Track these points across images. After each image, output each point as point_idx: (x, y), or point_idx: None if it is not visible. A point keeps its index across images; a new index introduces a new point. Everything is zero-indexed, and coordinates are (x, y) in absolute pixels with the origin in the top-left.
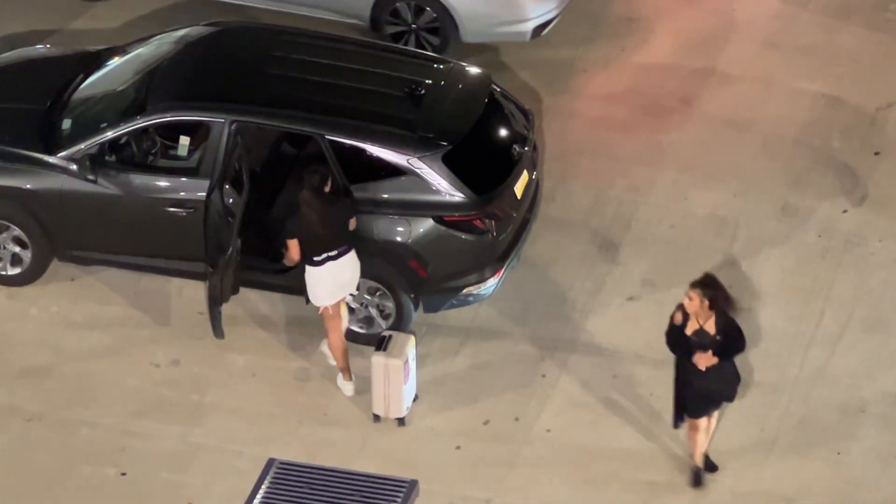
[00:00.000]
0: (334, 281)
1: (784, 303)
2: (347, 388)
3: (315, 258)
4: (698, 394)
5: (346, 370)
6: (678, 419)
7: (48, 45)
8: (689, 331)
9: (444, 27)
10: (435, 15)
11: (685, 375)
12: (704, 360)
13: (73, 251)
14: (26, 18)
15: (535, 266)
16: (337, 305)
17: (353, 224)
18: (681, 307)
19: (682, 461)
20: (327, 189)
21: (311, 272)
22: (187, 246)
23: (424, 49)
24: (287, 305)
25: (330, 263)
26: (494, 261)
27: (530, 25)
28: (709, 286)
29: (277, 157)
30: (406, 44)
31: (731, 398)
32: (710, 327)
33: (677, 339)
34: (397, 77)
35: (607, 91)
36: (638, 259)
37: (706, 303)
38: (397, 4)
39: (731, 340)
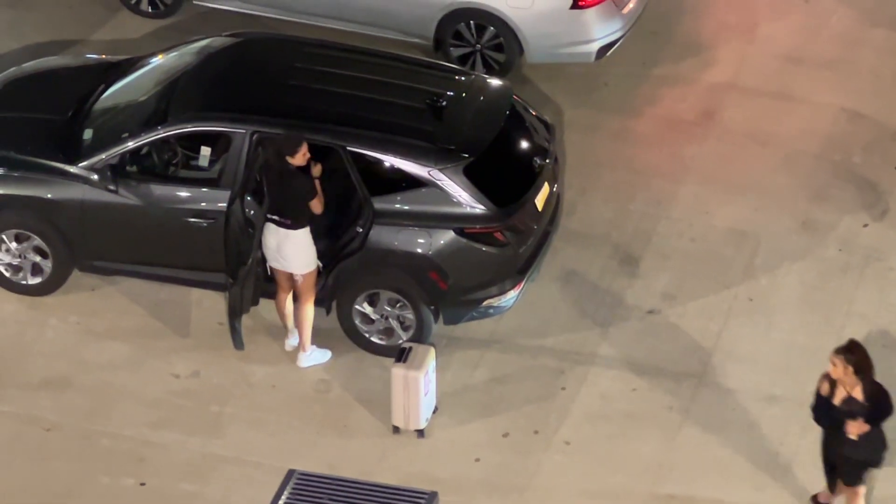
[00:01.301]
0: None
1: (804, 317)
2: (325, 354)
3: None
4: (851, 462)
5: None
6: (833, 487)
7: (70, 55)
8: (837, 400)
9: (509, 47)
10: (499, 33)
11: (835, 445)
12: (856, 429)
13: (93, 261)
14: (49, 29)
15: (555, 279)
16: None
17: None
18: (826, 377)
19: (701, 474)
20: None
21: (305, 235)
22: (207, 257)
23: (491, 70)
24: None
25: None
26: (515, 273)
27: (595, 46)
28: (852, 351)
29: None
30: (472, 65)
31: (877, 464)
32: (858, 394)
33: (827, 411)
34: (419, 89)
35: (628, 104)
36: (658, 272)
37: (850, 368)
38: (460, 25)
39: (879, 405)
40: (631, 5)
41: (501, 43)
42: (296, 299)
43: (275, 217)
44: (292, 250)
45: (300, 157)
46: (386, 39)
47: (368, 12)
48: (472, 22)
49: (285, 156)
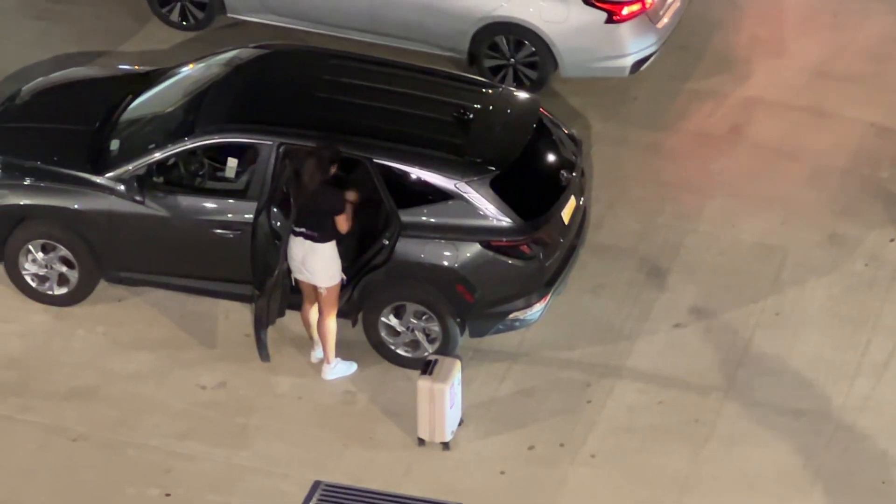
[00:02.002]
0: None
1: (831, 331)
2: (351, 366)
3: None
4: None
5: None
6: None
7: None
8: None
9: (543, 62)
10: (534, 49)
11: None
12: None
13: (120, 272)
14: (76, 39)
15: (582, 292)
16: None
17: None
18: None
19: (726, 487)
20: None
21: (331, 248)
22: (234, 268)
23: (522, 84)
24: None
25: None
26: (541, 286)
27: (629, 61)
28: None
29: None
30: (504, 79)
31: None
32: None
33: None
34: (446, 101)
35: (657, 118)
36: (686, 286)
37: None
38: (496, 38)
39: None
40: (665, 20)
41: (535, 57)
42: (319, 312)
43: (302, 229)
44: (317, 263)
45: (333, 169)
46: (419, 53)
47: (402, 26)
48: (511, 37)
49: (328, 169)
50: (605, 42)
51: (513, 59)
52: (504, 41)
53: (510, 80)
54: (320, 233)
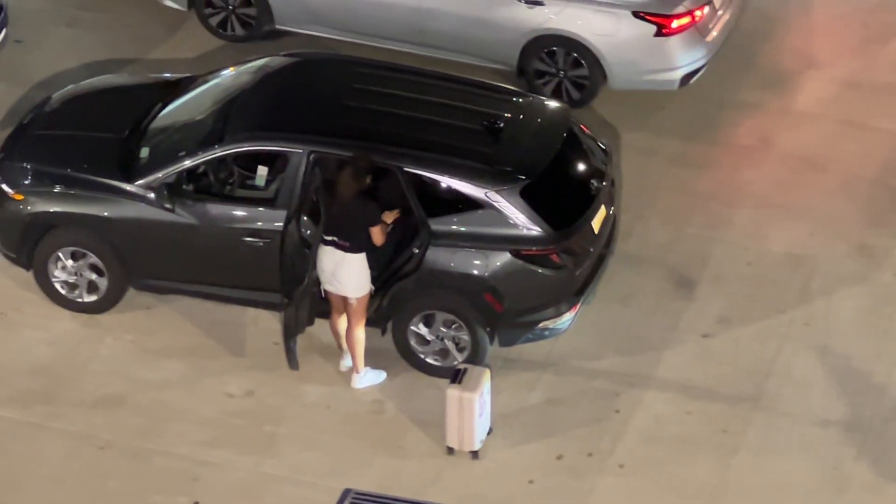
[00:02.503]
0: None
1: (859, 342)
2: (380, 375)
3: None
4: None
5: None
6: None
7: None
8: None
9: (593, 74)
10: (583, 60)
11: None
12: None
13: (148, 280)
14: (106, 47)
15: (611, 301)
16: None
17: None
18: None
19: (754, 498)
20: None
21: (362, 259)
22: (263, 276)
23: (569, 96)
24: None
25: None
26: (571, 295)
27: (679, 74)
28: None
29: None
30: (554, 92)
31: None
32: None
33: None
34: (476, 110)
35: (685, 128)
36: (714, 296)
37: None
38: (544, 51)
39: None
40: (714, 33)
41: (585, 70)
42: (347, 322)
43: (333, 239)
44: (348, 274)
45: (368, 178)
46: (468, 65)
47: (452, 38)
48: (561, 50)
49: (364, 179)
50: (655, 55)
51: (562, 73)
52: (553, 54)
53: (560, 92)
54: (353, 243)
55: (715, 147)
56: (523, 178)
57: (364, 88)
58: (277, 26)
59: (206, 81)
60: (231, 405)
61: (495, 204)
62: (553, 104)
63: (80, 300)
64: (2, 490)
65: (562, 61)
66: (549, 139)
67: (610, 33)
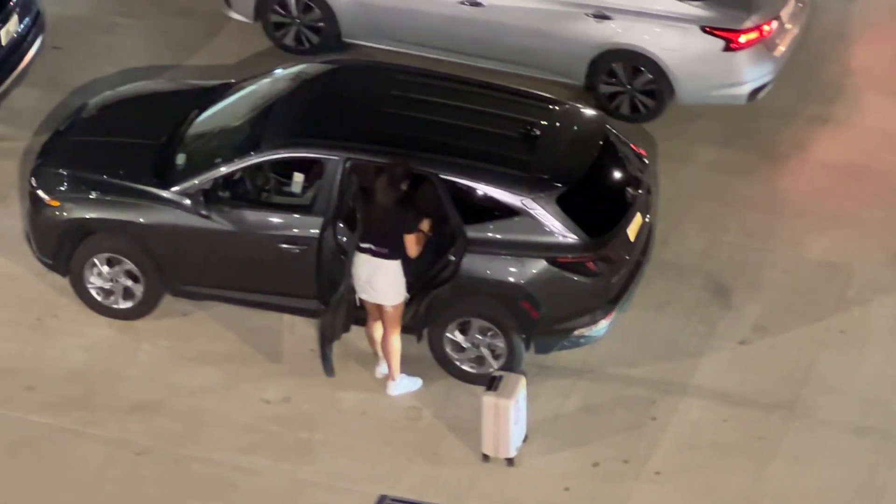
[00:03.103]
0: None
1: None
2: (416, 382)
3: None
4: None
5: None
6: None
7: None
8: None
9: (661, 89)
10: (651, 77)
11: None
12: None
13: (185, 286)
14: (144, 54)
15: (647, 309)
16: None
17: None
18: None
19: (789, 503)
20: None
21: (398, 267)
22: (299, 283)
23: (638, 112)
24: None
25: None
26: (607, 303)
27: (747, 89)
28: None
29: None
30: (619, 106)
31: None
32: None
33: None
34: (513, 118)
35: (722, 136)
36: (750, 304)
37: None
38: (613, 65)
39: None
40: (782, 48)
41: (653, 85)
42: (383, 329)
43: (369, 246)
44: (384, 282)
45: (406, 184)
46: (534, 79)
47: (520, 52)
48: (628, 64)
49: (400, 185)
50: (723, 70)
51: (629, 87)
52: (621, 68)
53: (626, 107)
54: (390, 250)
55: (751, 155)
56: (560, 185)
57: (401, 95)
58: (345, 39)
59: (242, 88)
60: (267, 411)
61: (532, 211)
62: (590, 112)
63: (115, 306)
64: (39, 496)
65: (628, 76)
66: (585, 147)
67: (678, 48)
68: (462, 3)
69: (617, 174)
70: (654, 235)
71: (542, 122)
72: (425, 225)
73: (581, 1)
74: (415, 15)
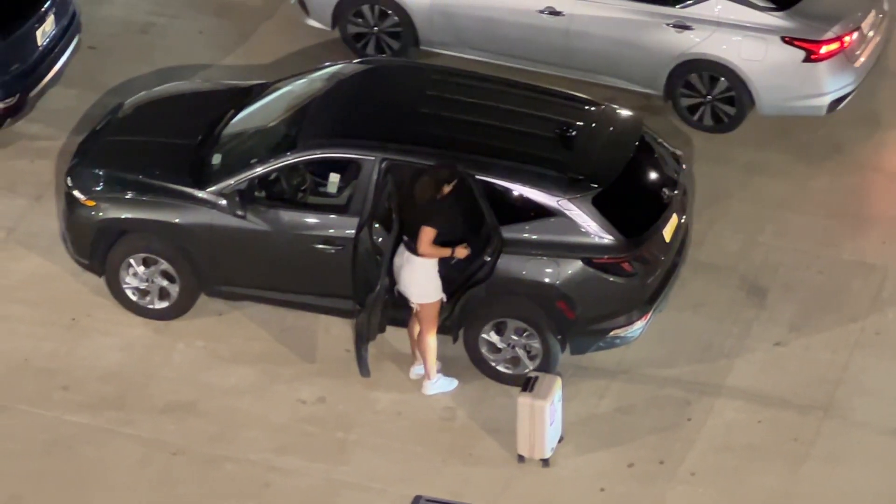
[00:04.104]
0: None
1: None
2: (451, 382)
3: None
4: None
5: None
6: None
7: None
8: None
9: (740, 99)
10: (729, 85)
11: None
12: None
13: (220, 286)
14: (180, 53)
15: (682, 310)
16: None
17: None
18: None
19: None
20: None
21: (425, 265)
22: (335, 283)
23: (721, 122)
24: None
25: None
26: (642, 304)
27: (827, 100)
28: None
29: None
30: (702, 118)
31: None
32: None
33: None
34: (548, 118)
35: (758, 137)
36: (785, 304)
37: None
38: (690, 77)
39: None
40: (863, 59)
41: (732, 95)
42: (419, 328)
43: (405, 238)
44: (410, 276)
45: (448, 188)
46: (613, 88)
47: (600, 61)
48: (706, 74)
49: (443, 184)
50: (803, 81)
51: (709, 97)
52: (699, 78)
53: (707, 117)
54: (413, 245)
55: (787, 155)
56: (596, 186)
57: (437, 95)
58: (422, 48)
59: (278, 88)
60: (302, 412)
61: (567, 212)
62: (626, 112)
63: (151, 306)
64: (73, 496)
65: (706, 86)
66: (621, 147)
67: (758, 58)
68: (542, 12)
69: (653, 175)
70: (689, 236)
71: (578, 123)
72: (462, 251)
73: (661, 11)
74: (494, 23)
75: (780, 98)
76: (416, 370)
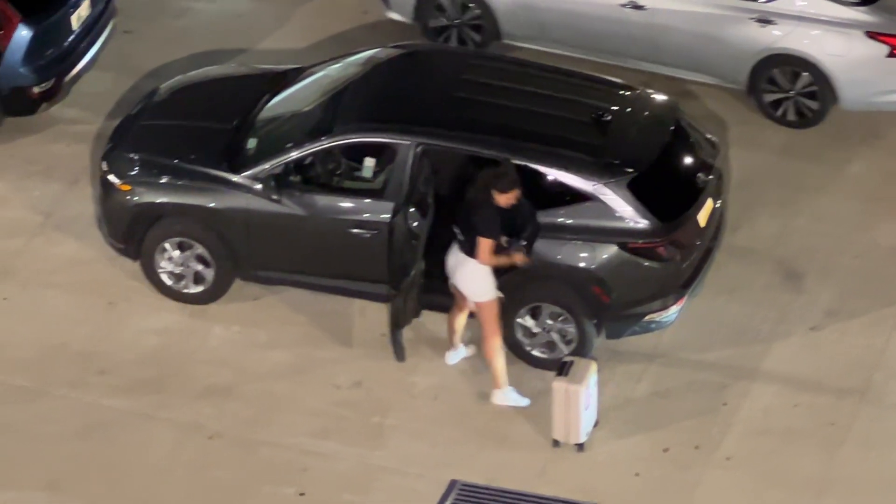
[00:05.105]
0: None
1: None
2: (522, 400)
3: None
4: None
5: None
6: None
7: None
8: None
9: (823, 94)
10: (812, 80)
11: None
12: None
13: (255, 270)
14: (215, 38)
15: (717, 294)
16: None
17: None
18: None
19: (861, 491)
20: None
21: (478, 265)
22: (370, 268)
23: (805, 117)
24: (470, 329)
25: None
26: (678, 288)
27: None
28: None
29: (463, 181)
30: (785, 113)
31: None
32: None
33: None
34: (584, 103)
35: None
36: (821, 289)
37: None
38: (773, 71)
39: None
40: None
41: (815, 90)
42: (482, 331)
43: (457, 231)
44: (463, 275)
45: (505, 199)
46: (696, 83)
47: (682, 55)
48: (787, 68)
49: (492, 190)
50: (888, 76)
51: (792, 92)
52: (781, 74)
53: (792, 113)
54: (467, 244)
55: (823, 140)
56: (631, 170)
57: (472, 80)
58: (504, 41)
59: (313, 72)
60: (338, 396)
61: (602, 196)
62: (661, 97)
63: (186, 291)
64: (110, 480)
65: (789, 81)
66: (656, 132)
67: (841, 53)
68: (624, 5)
69: (688, 159)
70: (725, 220)
71: (614, 107)
72: (520, 258)
73: (744, 5)
74: (575, 17)
75: (863, 93)
76: (451, 357)
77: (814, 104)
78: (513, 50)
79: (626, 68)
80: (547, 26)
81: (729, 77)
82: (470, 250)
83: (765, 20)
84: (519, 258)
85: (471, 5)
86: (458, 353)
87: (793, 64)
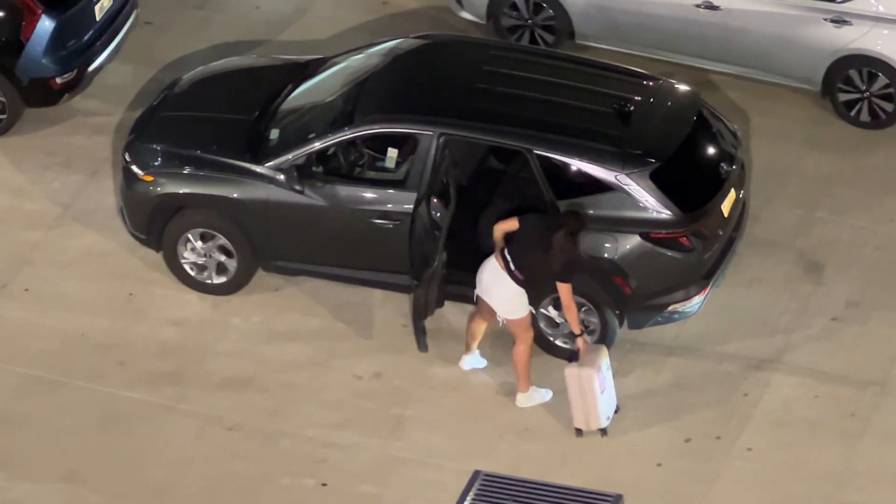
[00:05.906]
0: None
1: None
2: (546, 393)
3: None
4: None
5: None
6: None
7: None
8: None
9: None
10: (888, 82)
11: None
12: None
13: (277, 261)
14: (236, 29)
15: (739, 285)
16: None
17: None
18: None
19: (882, 482)
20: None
21: (518, 288)
22: (392, 258)
23: (878, 118)
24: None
25: None
26: (700, 279)
27: None
28: None
29: (485, 171)
30: (859, 114)
31: None
32: None
33: None
34: (606, 93)
35: (814, 113)
36: (842, 280)
37: None
38: (849, 72)
39: None
40: None
41: (890, 92)
42: (515, 340)
43: (510, 262)
44: (501, 296)
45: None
46: (766, 83)
47: (756, 56)
48: (863, 69)
49: (579, 235)
50: None
51: (867, 93)
52: (859, 74)
53: (865, 114)
54: (526, 279)
55: (844, 131)
56: (653, 161)
57: (494, 70)
58: (577, 41)
59: (335, 63)
60: (359, 387)
61: (625, 187)
62: (683, 87)
63: (208, 282)
64: (130, 471)
65: (865, 81)
66: (679, 122)
67: None
68: (698, 6)
69: (710, 150)
70: (747, 211)
71: (636, 98)
72: (581, 344)
73: (819, 6)
74: (649, 18)
75: None
76: (466, 363)
77: (888, 105)
78: (584, 50)
79: (699, 69)
80: (621, 27)
81: (804, 78)
82: (524, 282)
83: (840, 21)
84: (581, 343)
85: (544, 5)
86: (473, 362)
87: (868, 65)
